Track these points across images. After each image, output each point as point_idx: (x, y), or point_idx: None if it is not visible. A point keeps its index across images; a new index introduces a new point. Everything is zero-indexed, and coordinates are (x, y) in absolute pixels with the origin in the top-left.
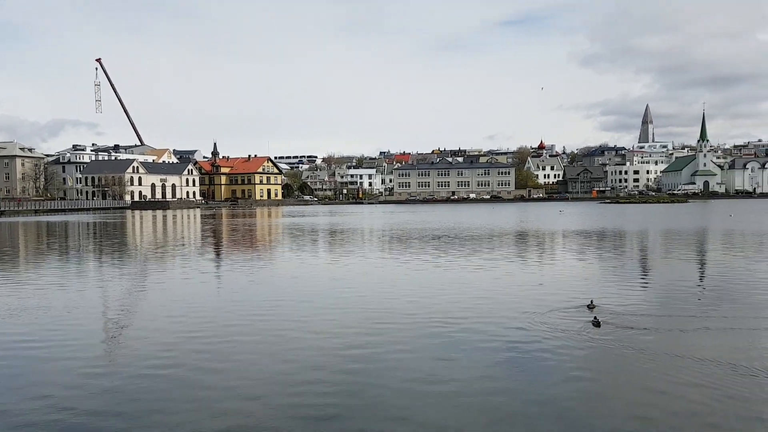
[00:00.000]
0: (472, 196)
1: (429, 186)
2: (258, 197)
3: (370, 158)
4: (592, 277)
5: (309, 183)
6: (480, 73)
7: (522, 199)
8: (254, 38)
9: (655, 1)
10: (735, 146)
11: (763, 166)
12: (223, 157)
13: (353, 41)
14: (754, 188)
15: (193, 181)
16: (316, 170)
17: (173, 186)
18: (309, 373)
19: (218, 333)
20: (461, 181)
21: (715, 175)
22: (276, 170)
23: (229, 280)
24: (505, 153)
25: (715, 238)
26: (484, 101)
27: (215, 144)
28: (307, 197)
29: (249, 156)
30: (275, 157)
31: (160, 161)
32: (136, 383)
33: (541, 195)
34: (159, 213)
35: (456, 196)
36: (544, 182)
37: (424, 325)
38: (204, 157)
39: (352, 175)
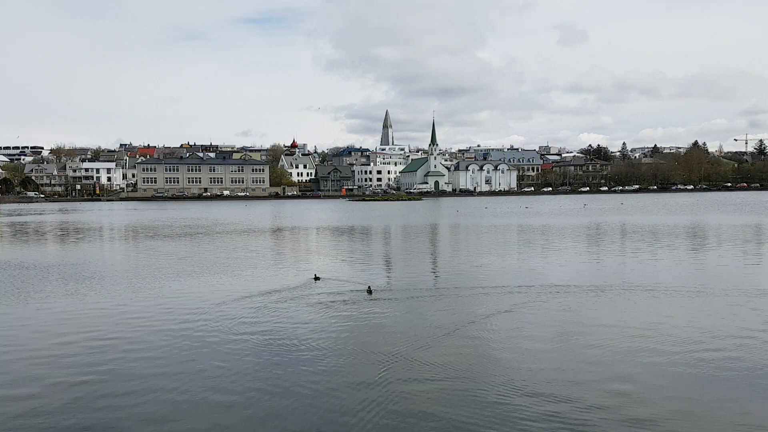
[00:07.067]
0: (226, 193)
1: (178, 182)
2: None
3: (109, 150)
4: (343, 264)
5: (34, 178)
6: (227, 68)
7: (277, 196)
8: None
9: (390, 14)
10: (459, 150)
11: (480, 168)
12: None
13: (79, 25)
14: (474, 187)
15: None
16: (43, 163)
17: None
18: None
19: None
20: (214, 178)
21: (444, 175)
22: None
23: None
24: (259, 150)
25: (444, 231)
26: (234, 97)
27: None
28: (31, 194)
29: None
30: None
31: None
32: None
33: (295, 193)
34: None
35: (209, 193)
36: (298, 180)
37: (164, 324)
38: None
39: (87, 169)
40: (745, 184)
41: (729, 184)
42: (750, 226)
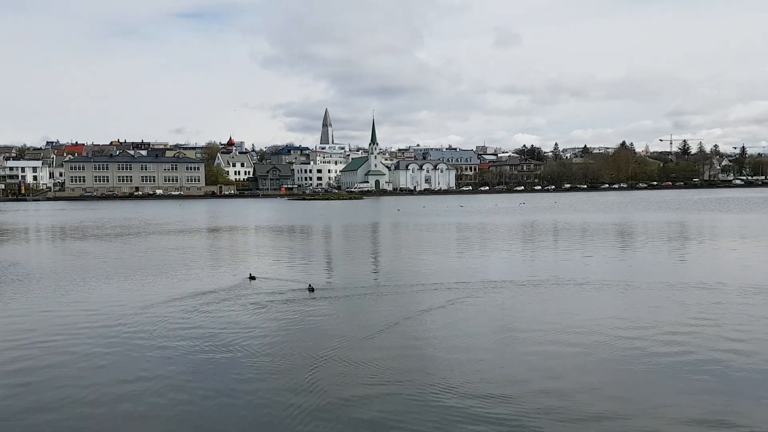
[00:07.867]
0: (159, 192)
1: (108, 181)
2: None
3: (35, 149)
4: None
5: None
6: (159, 64)
7: (213, 195)
8: None
9: (328, 13)
10: (399, 150)
11: (420, 168)
12: None
13: (2, 16)
14: (414, 186)
15: None
16: None
17: None
18: None
19: None
20: (146, 176)
21: (384, 174)
22: None
23: None
24: (194, 148)
25: (385, 230)
26: (166, 93)
27: None
28: None
29: None
30: None
31: None
32: None
33: (232, 192)
34: None
35: (140, 192)
36: (235, 179)
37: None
38: None
39: (11, 168)
40: (669, 183)
41: (655, 183)
42: (674, 222)
